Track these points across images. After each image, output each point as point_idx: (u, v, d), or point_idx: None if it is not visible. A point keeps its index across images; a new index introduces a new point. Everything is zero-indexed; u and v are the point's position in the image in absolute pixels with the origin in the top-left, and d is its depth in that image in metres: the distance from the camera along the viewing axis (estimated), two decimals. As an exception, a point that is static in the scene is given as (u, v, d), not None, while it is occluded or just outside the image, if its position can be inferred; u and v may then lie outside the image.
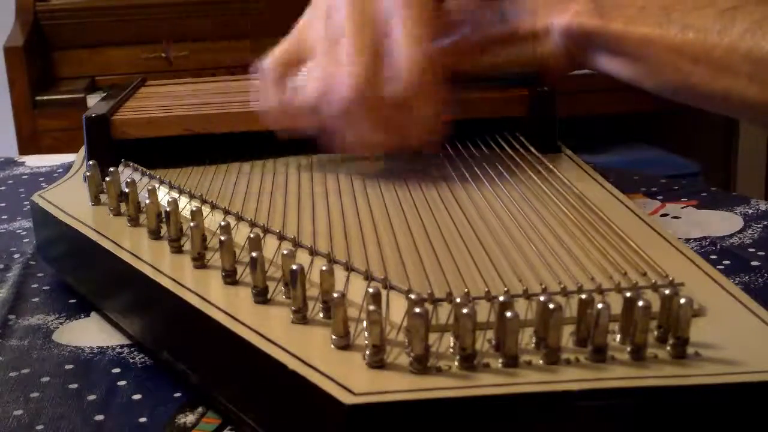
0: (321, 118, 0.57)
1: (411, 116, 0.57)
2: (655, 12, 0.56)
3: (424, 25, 0.57)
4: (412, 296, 0.38)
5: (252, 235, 0.45)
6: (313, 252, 0.45)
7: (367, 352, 0.36)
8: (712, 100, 0.56)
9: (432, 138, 0.58)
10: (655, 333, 0.37)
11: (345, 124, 0.57)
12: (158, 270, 0.46)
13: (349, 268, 0.43)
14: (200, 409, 0.43)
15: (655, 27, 0.56)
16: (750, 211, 0.67)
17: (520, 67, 0.65)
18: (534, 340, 0.37)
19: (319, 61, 0.58)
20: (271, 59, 0.62)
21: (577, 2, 0.60)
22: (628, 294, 0.37)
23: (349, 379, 0.35)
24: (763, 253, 0.59)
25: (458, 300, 0.36)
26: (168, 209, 0.48)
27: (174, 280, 0.45)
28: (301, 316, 0.40)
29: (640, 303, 0.36)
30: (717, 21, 0.53)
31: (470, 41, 0.64)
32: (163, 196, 0.54)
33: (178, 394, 0.45)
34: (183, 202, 0.53)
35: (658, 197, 0.72)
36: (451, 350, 0.36)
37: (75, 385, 0.46)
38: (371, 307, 0.36)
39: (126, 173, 0.59)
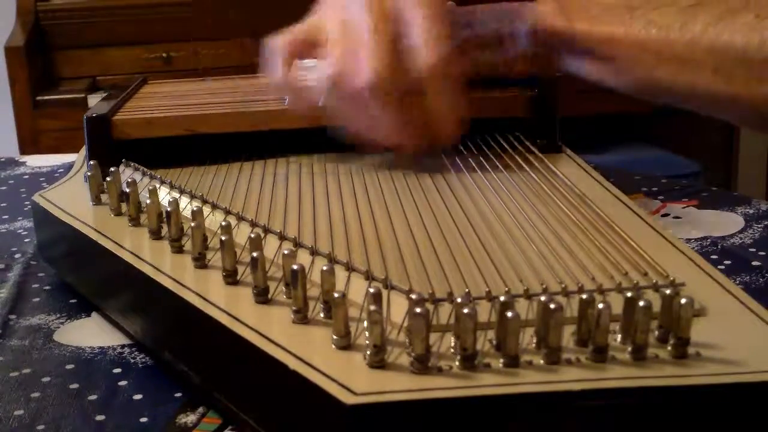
0: (331, 101, 0.58)
1: (427, 111, 0.57)
2: (618, 11, 0.57)
3: (442, 24, 0.57)
4: (413, 296, 0.38)
5: (253, 235, 0.45)
6: (313, 252, 0.45)
7: (368, 352, 0.36)
8: (678, 95, 0.56)
9: (449, 134, 0.59)
10: (656, 333, 0.37)
11: (356, 111, 0.57)
12: (159, 270, 0.46)
13: (349, 268, 0.43)
14: (201, 409, 0.43)
15: (619, 25, 0.57)
16: (751, 211, 0.67)
17: (490, 71, 0.65)
18: (535, 340, 0.37)
19: (334, 48, 0.58)
20: (283, 38, 0.62)
21: (541, 3, 0.60)
22: (629, 294, 0.37)
23: (350, 379, 0.35)
24: (763, 253, 0.59)
25: (459, 300, 0.36)
26: (169, 209, 0.48)
27: (175, 280, 0.45)
28: (302, 316, 0.40)
29: (641, 303, 0.36)
30: (679, 17, 0.54)
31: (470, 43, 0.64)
32: (164, 196, 0.54)
33: (178, 394, 0.45)
34: (184, 202, 0.53)
35: (659, 197, 0.72)
36: (452, 350, 0.36)
37: (76, 385, 0.46)
38: (372, 307, 0.36)
39: (127, 173, 0.59)
